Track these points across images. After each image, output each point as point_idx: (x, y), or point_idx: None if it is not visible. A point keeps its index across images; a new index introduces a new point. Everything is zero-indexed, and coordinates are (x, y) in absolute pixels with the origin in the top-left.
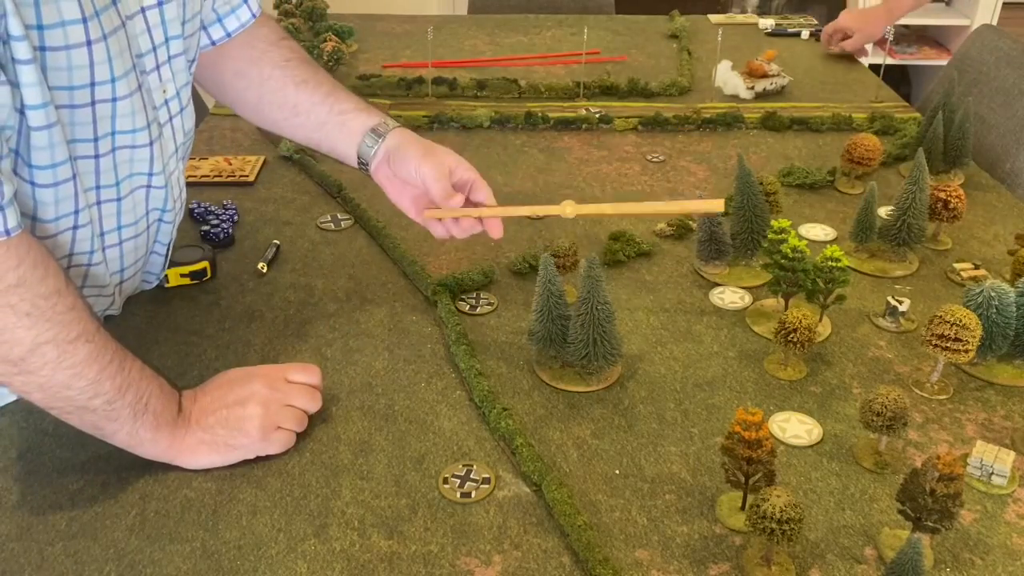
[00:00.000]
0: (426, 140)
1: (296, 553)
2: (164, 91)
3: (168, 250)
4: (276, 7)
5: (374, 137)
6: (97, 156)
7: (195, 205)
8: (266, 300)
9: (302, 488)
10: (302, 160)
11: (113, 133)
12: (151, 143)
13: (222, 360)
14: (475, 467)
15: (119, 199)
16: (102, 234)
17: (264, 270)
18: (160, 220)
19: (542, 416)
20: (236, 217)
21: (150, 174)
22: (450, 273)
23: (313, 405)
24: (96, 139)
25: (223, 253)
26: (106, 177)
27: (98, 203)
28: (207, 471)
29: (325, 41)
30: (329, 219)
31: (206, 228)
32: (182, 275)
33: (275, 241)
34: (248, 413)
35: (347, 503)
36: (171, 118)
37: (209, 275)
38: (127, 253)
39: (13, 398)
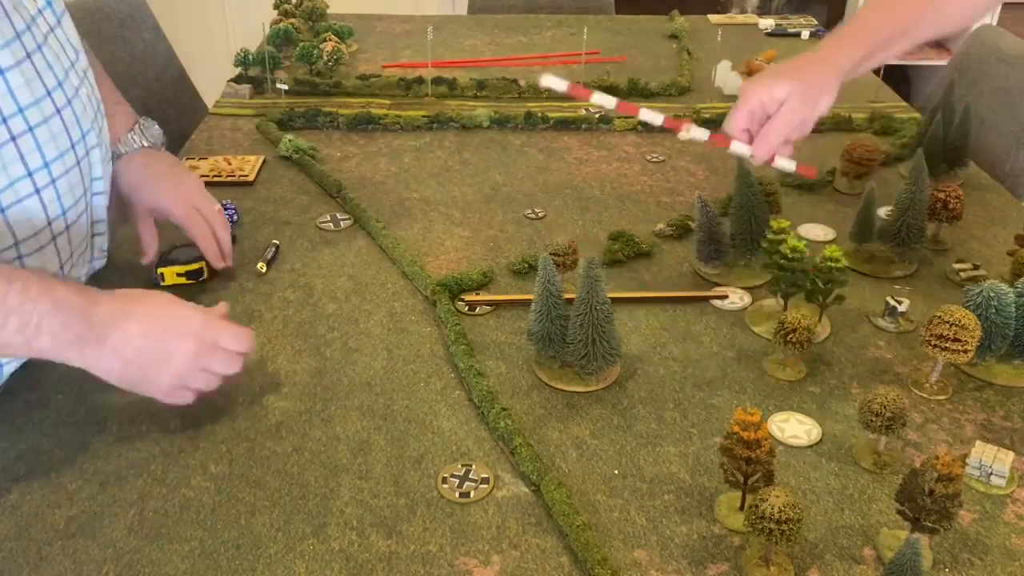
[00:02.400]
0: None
1: (295, 553)
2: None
3: (108, 186)
4: (276, 7)
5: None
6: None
7: None
8: (266, 300)
9: (301, 488)
10: (302, 160)
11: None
12: (28, 55)
13: None
14: (474, 467)
15: (30, 129)
16: (30, 174)
17: (264, 270)
18: (86, 150)
19: (541, 416)
20: (236, 217)
21: (48, 92)
22: (450, 273)
23: (232, 370)
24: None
25: None
26: (7, 106)
27: (12, 139)
28: (206, 471)
29: (325, 41)
30: (329, 219)
31: None
32: (178, 274)
33: (275, 241)
34: (168, 369)
35: (346, 503)
36: (52, 28)
37: (206, 275)
38: (63, 193)
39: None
